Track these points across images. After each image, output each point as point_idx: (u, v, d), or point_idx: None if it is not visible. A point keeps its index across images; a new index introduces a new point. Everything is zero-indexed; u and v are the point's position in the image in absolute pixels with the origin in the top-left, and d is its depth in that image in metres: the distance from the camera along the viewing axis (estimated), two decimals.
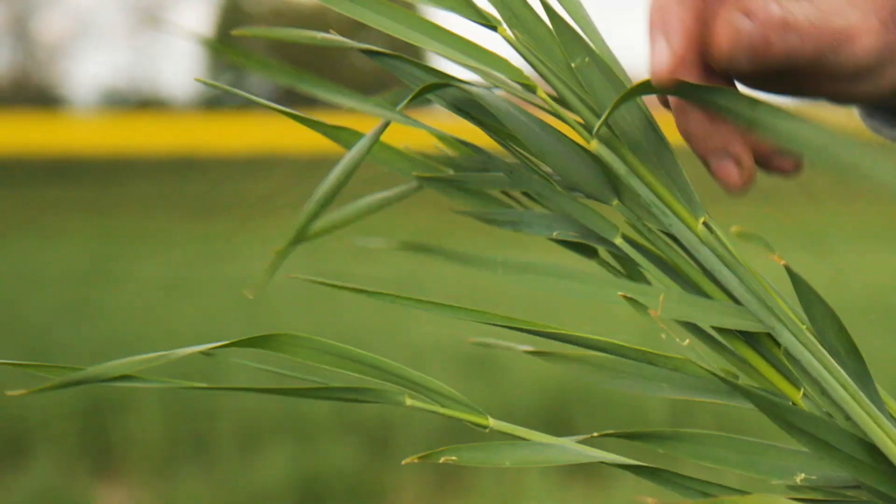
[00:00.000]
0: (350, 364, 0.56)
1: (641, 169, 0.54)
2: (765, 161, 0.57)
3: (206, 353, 0.53)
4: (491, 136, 0.55)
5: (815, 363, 0.53)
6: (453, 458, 0.53)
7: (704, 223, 0.55)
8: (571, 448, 0.54)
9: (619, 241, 0.56)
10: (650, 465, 0.54)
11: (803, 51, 0.53)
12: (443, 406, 0.56)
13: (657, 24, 0.53)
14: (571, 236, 0.56)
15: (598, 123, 0.53)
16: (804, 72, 0.55)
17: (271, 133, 29.99)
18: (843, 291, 6.50)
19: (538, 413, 4.20)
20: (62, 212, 11.90)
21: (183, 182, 16.51)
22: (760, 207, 11.79)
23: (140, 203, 13.05)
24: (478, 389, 4.30)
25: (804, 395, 0.54)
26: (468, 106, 0.55)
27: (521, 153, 0.55)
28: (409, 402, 0.55)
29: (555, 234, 0.56)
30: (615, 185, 0.54)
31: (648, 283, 0.56)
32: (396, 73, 0.55)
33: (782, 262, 0.55)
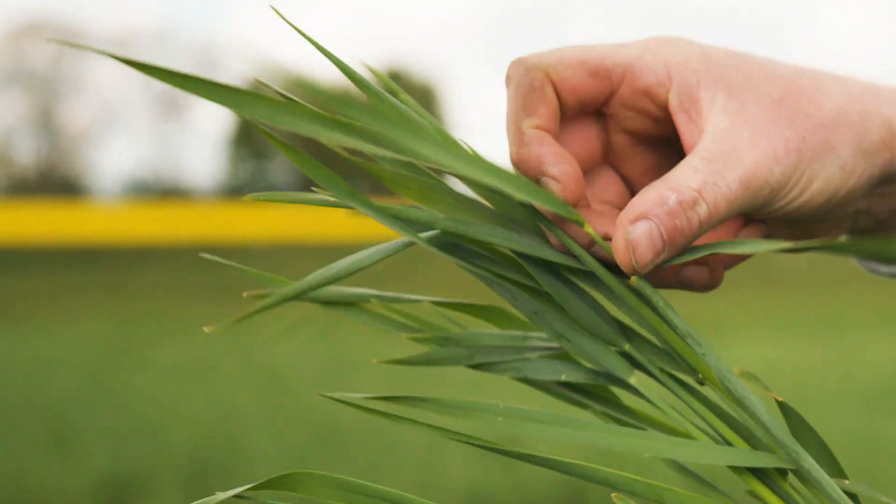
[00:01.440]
0: (369, 501, 0.54)
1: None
2: (675, 273, 0.57)
3: (239, 496, 0.54)
4: (496, 285, 0.56)
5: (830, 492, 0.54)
6: None
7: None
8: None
9: (633, 380, 0.56)
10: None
11: (718, 214, 0.53)
12: None
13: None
14: (581, 378, 0.57)
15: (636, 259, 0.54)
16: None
17: (292, 222, 30.12)
18: (856, 377, 6.51)
19: (556, 495, 4.21)
20: (84, 297, 11.98)
21: (203, 269, 16.60)
22: (775, 294, 11.80)
23: (161, 289, 13.13)
24: (496, 471, 4.31)
25: None
26: (474, 256, 0.56)
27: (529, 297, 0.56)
28: None
29: (563, 376, 0.56)
30: (625, 331, 0.56)
31: (643, 427, 0.57)
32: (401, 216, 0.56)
33: (780, 399, 0.55)
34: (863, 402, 5.68)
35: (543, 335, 0.58)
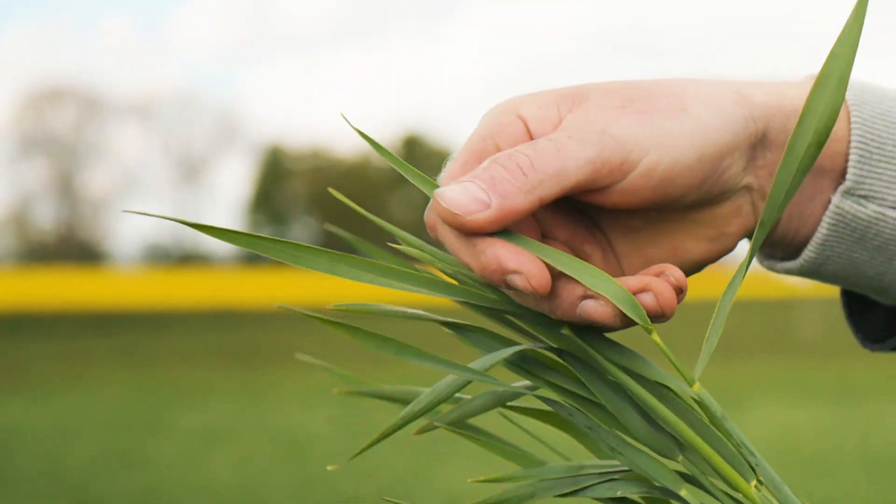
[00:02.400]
0: None
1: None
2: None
3: None
4: (553, 402, 0.58)
5: None
6: None
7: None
8: None
9: (684, 492, 0.57)
10: None
11: (545, 159, 0.54)
12: None
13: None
14: (636, 492, 0.58)
15: (698, 371, 0.56)
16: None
17: (310, 287, 30.16)
18: (875, 443, 6.49)
19: None
20: (103, 363, 12.02)
21: (223, 334, 16.63)
22: (793, 362, 11.77)
23: (181, 354, 13.16)
24: None
25: None
26: (542, 370, 0.57)
27: (584, 409, 0.58)
28: None
29: (619, 493, 0.57)
30: (679, 443, 0.58)
31: None
32: (470, 340, 0.58)
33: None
34: (882, 467, 5.66)
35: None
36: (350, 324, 0.53)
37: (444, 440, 6.64)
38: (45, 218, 43.21)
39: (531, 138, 0.56)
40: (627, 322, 0.54)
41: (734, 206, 0.59)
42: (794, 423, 7.18)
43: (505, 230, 0.54)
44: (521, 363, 0.57)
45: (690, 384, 0.55)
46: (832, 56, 0.53)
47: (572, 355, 0.57)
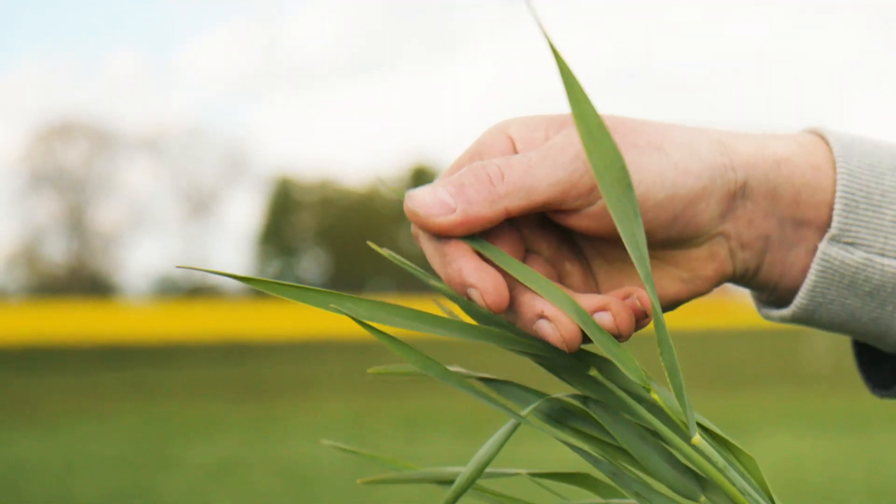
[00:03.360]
0: None
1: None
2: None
3: None
4: (585, 444, 0.60)
5: None
6: None
7: None
8: None
9: None
10: None
11: (511, 171, 0.56)
12: None
13: None
14: None
15: (691, 425, 0.57)
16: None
17: (318, 319, 30.15)
18: (884, 473, 6.47)
19: None
20: (113, 395, 12.02)
21: (231, 366, 16.62)
22: (801, 394, 11.75)
23: (190, 387, 13.16)
24: None
25: None
26: (569, 417, 0.59)
27: (611, 457, 0.60)
28: None
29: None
30: (701, 483, 0.59)
31: None
32: (502, 394, 0.60)
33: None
34: (889, 499, 5.65)
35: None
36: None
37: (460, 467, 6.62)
38: (56, 252, 43.31)
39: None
40: (576, 347, 0.56)
41: (709, 251, 0.60)
42: (801, 454, 7.17)
43: (477, 239, 0.56)
44: (548, 412, 0.59)
45: (689, 438, 0.57)
46: (578, 119, 0.54)
47: (595, 401, 0.58)
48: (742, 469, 0.58)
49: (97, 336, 26.40)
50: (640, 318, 0.57)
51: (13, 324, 29.63)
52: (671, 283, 0.61)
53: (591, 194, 0.56)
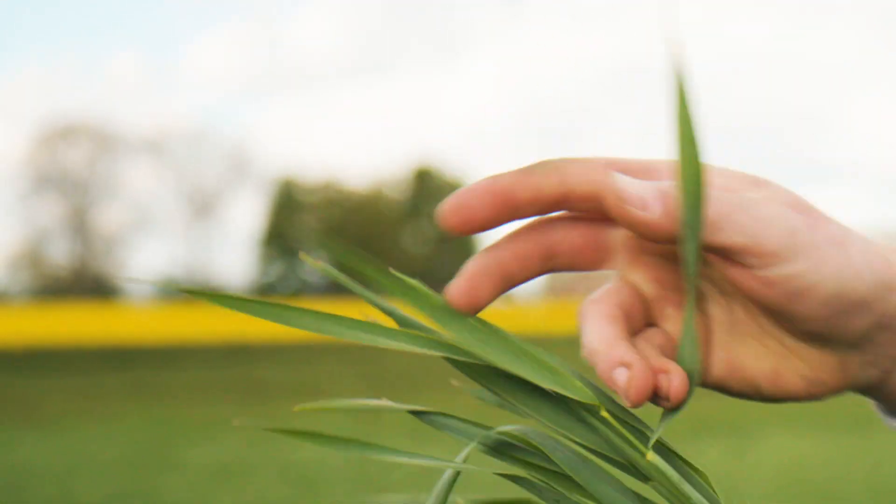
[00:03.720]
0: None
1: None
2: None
3: None
4: (528, 474, 0.59)
5: None
6: None
7: None
8: None
9: None
10: None
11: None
12: None
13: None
14: None
15: (653, 438, 0.57)
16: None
17: None
18: (886, 472, 6.47)
19: None
20: (116, 397, 12.03)
21: (234, 368, 16.63)
22: None
23: (193, 388, 13.16)
24: None
25: None
26: (510, 447, 0.59)
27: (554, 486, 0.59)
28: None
29: None
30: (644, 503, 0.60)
31: None
32: (440, 428, 0.62)
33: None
34: (891, 498, 5.64)
35: None
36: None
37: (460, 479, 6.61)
38: (59, 253, 43.34)
39: None
40: (638, 403, 0.55)
41: (840, 361, 0.59)
42: (803, 454, 7.17)
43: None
44: (489, 443, 0.59)
45: (643, 454, 0.56)
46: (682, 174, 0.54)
47: (538, 432, 0.58)
48: (696, 481, 0.57)
49: (100, 338, 26.42)
50: (661, 398, 0.56)
51: (16, 325, 29.65)
52: (792, 376, 0.60)
53: (771, 258, 0.55)
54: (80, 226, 43.74)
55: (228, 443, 8.22)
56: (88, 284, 41.58)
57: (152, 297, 42.27)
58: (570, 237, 0.58)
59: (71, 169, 44.40)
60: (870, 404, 0.65)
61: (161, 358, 20.52)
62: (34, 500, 5.96)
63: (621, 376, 0.55)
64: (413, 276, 0.58)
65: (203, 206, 46.89)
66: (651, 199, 0.54)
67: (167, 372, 16.61)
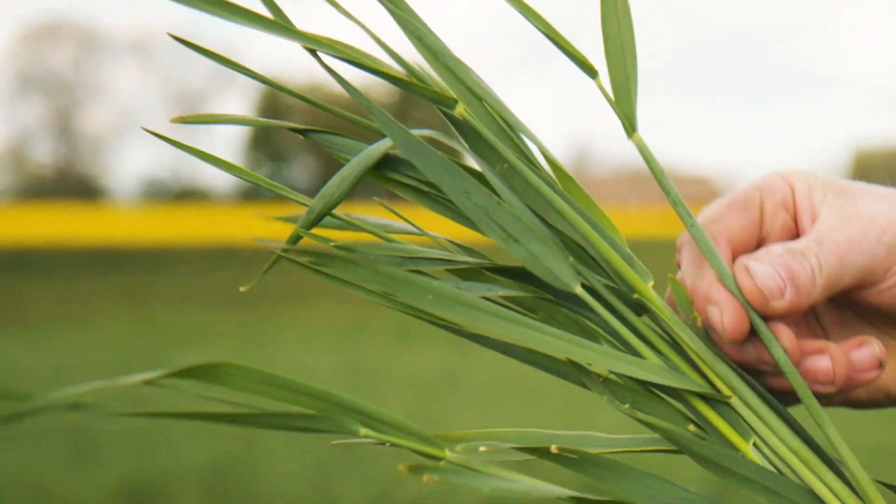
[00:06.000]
0: (298, 397, 0.54)
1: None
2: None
3: (148, 382, 0.53)
4: (448, 183, 0.56)
5: (756, 419, 0.56)
6: (436, 477, 0.53)
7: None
8: (540, 486, 0.54)
9: (579, 290, 0.56)
10: (610, 500, 0.54)
11: (829, 265, 0.58)
12: (397, 437, 0.55)
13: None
14: (519, 292, 0.56)
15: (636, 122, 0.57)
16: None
17: None
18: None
19: None
20: (103, 302, 11.99)
21: (222, 272, 16.61)
22: None
23: (179, 292, 13.14)
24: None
25: (754, 444, 0.56)
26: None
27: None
28: (362, 431, 0.55)
29: (499, 293, 0.56)
30: (567, 244, 0.56)
31: (597, 341, 0.57)
32: (329, 150, 0.59)
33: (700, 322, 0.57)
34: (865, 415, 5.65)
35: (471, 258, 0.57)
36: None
37: (447, 378, 6.62)
38: (43, 154, 43.14)
39: (794, 207, 0.62)
40: (738, 339, 0.57)
41: None
42: None
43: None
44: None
45: (630, 134, 0.56)
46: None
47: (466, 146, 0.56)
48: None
49: (85, 240, 26.36)
50: (864, 371, 0.59)
51: (1, 227, 29.57)
52: (889, 330, 0.63)
53: (884, 274, 0.60)
54: (64, 127, 43.50)
55: (216, 349, 8.20)
56: (73, 185, 41.46)
57: (138, 199, 42.16)
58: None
59: (55, 69, 44.05)
60: None
61: (147, 260, 20.49)
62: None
63: (823, 363, 0.58)
64: None
65: (189, 109, 46.64)
66: (780, 284, 0.57)
67: (154, 275, 16.58)
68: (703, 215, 0.61)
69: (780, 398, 0.58)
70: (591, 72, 0.57)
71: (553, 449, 0.54)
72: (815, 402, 0.56)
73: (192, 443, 5.00)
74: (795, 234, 0.62)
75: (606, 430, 0.59)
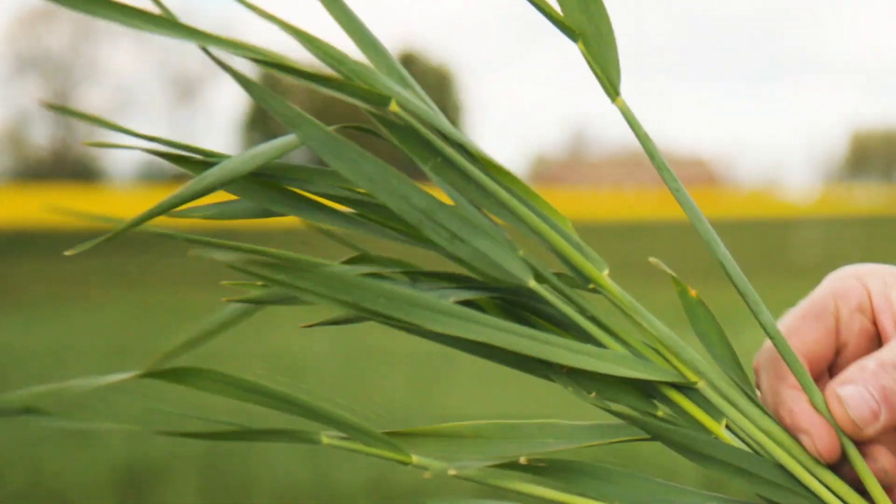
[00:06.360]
0: (262, 399, 0.54)
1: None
2: None
3: (117, 384, 0.53)
4: (385, 192, 0.53)
5: (725, 403, 0.56)
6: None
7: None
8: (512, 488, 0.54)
9: (532, 284, 0.54)
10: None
11: None
12: (363, 444, 0.54)
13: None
14: (471, 296, 0.54)
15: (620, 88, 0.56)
16: None
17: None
18: None
19: None
20: (99, 284, 11.99)
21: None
22: (788, 283, 11.75)
23: (177, 274, 13.14)
24: None
25: (727, 426, 0.56)
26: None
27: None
28: (325, 440, 0.54)
29: (451, 299, 0.54)
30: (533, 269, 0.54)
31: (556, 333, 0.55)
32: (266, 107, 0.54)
33: (694, 293, 0.57)
34: None
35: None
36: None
37: (444, 359, 6.63)
38: (41, 136, 43.07)
39: (872, 310, 0.60)
40: (833, 460, 0.56)
41: None
42: None
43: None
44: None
45: (613, 97, 0.55)
46: None
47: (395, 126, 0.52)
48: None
49: (83, 222, 26.32)
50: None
51: None
52: None
53: None
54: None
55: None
56: (70, 167, 41.39)
57: (135, 180, 42.10)
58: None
59: (52, 50, 43.95)
60: None
61: (145, 243, 20.47)
62: (18, 384, 5.94)
63: (806, 441, 0.57)
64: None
65: (186, 90, 46.54)
66: (874, 408, 0.56)
67: (150, 257, 16.57)
68: (785, 331, 0.60)
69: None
70: (572, 35, 0.55)
71: (522, 460, 0.53)
72: None
73: (188, 423, 5.02)
74: (875, 336, 0.60)
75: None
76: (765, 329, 0.57)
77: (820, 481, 0.56)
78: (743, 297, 0.58)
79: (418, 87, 0.56)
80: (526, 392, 5.61)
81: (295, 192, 0.56)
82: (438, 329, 0.52)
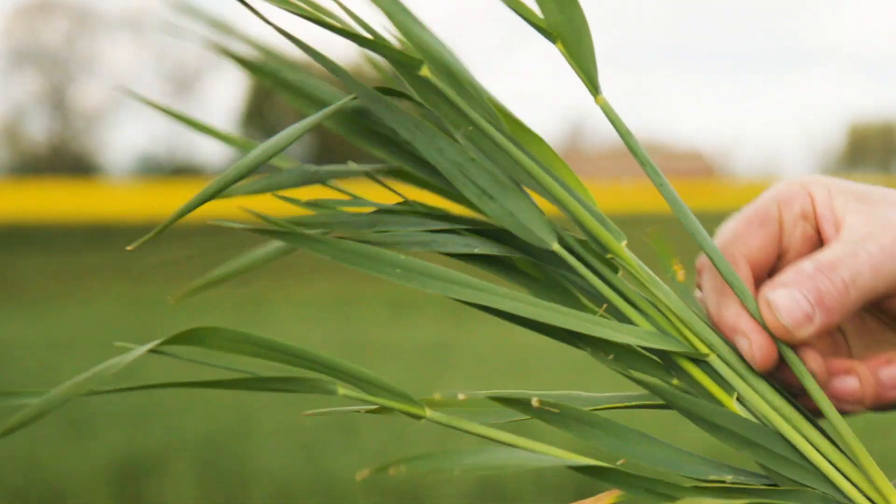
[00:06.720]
0: (278, 355, 0.55)
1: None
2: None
3: (145, 353, 0.55)
4: (421, 139, 0.55)
5: (735, 377, 0.57)
6: (402, 467, 0.53)
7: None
8: (521, 452, 0.54)
9: (556, 247, 0.55)
10: (601, 465, 0.54)
11: (862, 277, 0.57)
12: (377, 395, 0.55)
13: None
14: (496, 251, 0.56)
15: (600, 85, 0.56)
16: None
17: (305, 197, 30.11)
18: None
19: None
20: (98, 278, 11.98)
21: (216, 247, 16.58)
22: None
23: (174, 268, 13.13)
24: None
25: (738, 399, 0.57)
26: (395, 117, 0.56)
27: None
28: (341, 391, 0.55)
29: (476, 249, 0.55)
30: (557, 230, 0.56)
31: (580, 302, 0.57)
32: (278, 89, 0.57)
33: (681, 276, 0.58)
34: None
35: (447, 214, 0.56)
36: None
37: (442, 350, 6.63)
38: (38, 130, 43.00)
39: (815, 217, 0.60)
40: (767, 368, 0.57)
41: None
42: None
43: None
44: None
45: (594, 95, 0.55)
46: None
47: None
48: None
49: (80, 216, 26.31)
50: (893, 388, 0.59)
51: None
52: None
53: None
54: (58, 102, 43.34)
55: (211, 323, 8.20)
56: (67, 161, 41.34)
57: (133, 175, 42.06)
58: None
59: (49, 45, 43.88)
60: None
61: (141, 236, 20.45)
62: (16, 378, 5.93)
63: (851, 383, 0.58)
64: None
65: (183, 84, 46.47)
66: (807, 311, 0.56)
67: (148, 250, 16.56)
68: (720, 234, 0.60)
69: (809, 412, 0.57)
70: (550, 37, 0.56)
71: (534, 402, 0.54)
72: (842, 423, 0.56)
73: (186, 416, 5.02)
74: (818, 243, 0.60)
75: None
76: (701, 247, 0.58)
77: (824, 456, 0.56)
78: (732, 288, 0.58)
79: (454, 53, 0.58)
80: (524, 384, 5.61)
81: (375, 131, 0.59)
82: (454, 296, 0.54)
